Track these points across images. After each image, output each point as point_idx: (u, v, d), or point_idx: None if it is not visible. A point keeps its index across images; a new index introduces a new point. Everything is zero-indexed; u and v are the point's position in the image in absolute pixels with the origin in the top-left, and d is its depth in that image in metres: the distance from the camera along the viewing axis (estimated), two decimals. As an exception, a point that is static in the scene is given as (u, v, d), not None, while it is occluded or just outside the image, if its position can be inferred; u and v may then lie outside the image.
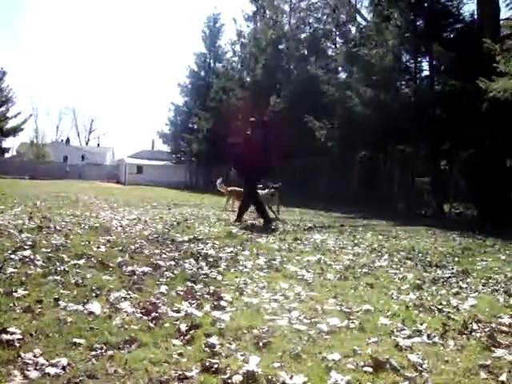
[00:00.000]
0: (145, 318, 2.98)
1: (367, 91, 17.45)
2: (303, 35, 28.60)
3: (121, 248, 5.34)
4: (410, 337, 2.92)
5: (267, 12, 31.99)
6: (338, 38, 26.93)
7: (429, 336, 2.95)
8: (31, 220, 7.67)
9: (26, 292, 3.30)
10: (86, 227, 7.17)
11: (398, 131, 16.18)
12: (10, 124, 70.54)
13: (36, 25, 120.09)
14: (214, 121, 33.32)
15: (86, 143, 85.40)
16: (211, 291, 3.72)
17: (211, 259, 5.07)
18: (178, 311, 3.16)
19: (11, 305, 3.02)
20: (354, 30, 24.28)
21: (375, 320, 3.21)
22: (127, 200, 15.69)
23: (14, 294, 3.24)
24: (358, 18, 24.04)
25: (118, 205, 13.00)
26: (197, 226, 8.38)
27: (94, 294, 3.40)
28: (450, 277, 4.91)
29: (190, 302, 3.38)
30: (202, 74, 43.87)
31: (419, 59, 17.47)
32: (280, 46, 29.15)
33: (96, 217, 9.02)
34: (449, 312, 3.52)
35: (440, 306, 3.65)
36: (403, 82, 18.53)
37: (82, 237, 6.08)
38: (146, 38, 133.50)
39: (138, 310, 3.10)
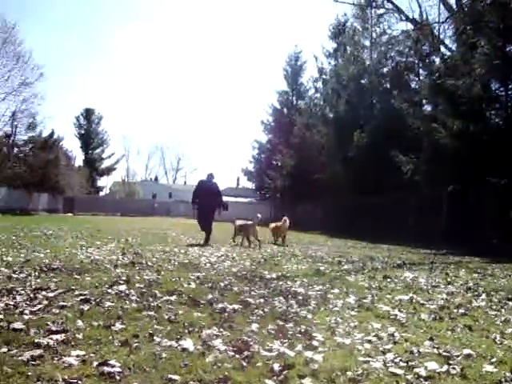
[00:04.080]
0: (237, 356, 2.97)
1: (455, 123, 16.84)
2: (385, 69, 28.27)
3: (210, 285, 5.41)
4: (521, 388, 2.69)
5: (348, 48, 32.10)
6: (421, 70, 26.25)
7: (544, 389, 2.70)
8: (124, 256, 7.99)
9: (123, 326, 3.41)
10: (176, 263, 7.36)
11: (489, 163, 15.44)
12: (105, 164, 75.15)
13: (125, 68, 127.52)
14: (298, 157, 33.54)
15: (173, 181, 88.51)
16: (302, 330, 3.65)
17: (300, 297, 5.00)
18: (270, 350, 3.12)
19: (110, 338, 3.13)
20: (437, 60, 23.67)
21: (478, 367, 2.99)
22: (214, 236, 15.95)
23: (112, 327, 3.36)
24: (442, 49, 23.49)
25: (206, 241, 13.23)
26: (284, 262, 8.36)
27: (186, 331, 3.44)
28: (560, 321, 4.53)
29: (281, 341, 3.34)
30: (285, 111, 44.52)
31: (510, 86, 16.72)
32: (362, 81, 29.02)
33: (185, 253, 9.24)
34: None
35: (554, 355, 3.34)
36: (493, 112, 17.73)
37: (172, 273, 6.24)
38: (231, 76, 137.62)
39: (230, 348, 3.10)
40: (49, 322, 3.36)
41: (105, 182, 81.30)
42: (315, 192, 30.65)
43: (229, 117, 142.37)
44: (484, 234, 16.60)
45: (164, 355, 2.88)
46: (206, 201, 12.71)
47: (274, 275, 6.56)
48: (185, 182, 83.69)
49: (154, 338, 3.21)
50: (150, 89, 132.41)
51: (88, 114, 73.50)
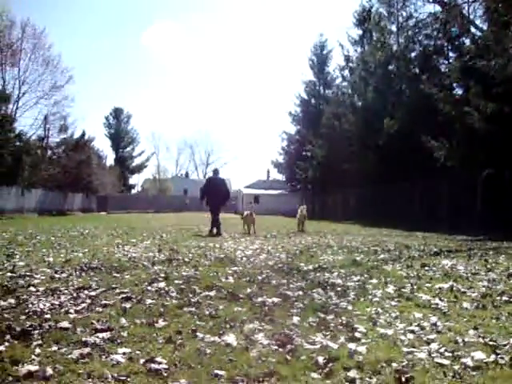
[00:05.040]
0: (281, 350, 2.97)
1: (488, 105, 16.42)
2: (413, 54, 27.69)
3: (248, 279, 5.43)
4: None
5: (374, 34, 31.59)
6: (450, 53, 25.64)
7: None
8: (161, 252, 8.08)
9: (166, 323, 3.46)
10: (212, 258, 7.41)
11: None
12: (136, 162, 76.49)
13: (152, 66, 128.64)
14: (328, 147, 33.34)
15: (204, 176, 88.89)
16: (344, 322, 3.64)
17: (339, 288, 4.98)
18: (313, 343, 3.11)
19: (154, 335, 3.18)
20: (467, 42, 23.06)
21: (528, 355, 2.92)
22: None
23: (156, 324, 3.41)
24: (472, 29, 22.88)
25: (239, 235, 13.31)
26: (320, 254, 8.32)
27: (228, 326, 3.46)
28: None
29: (323, 334, 3.33)
30: (313, 101, 44.35)
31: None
32: (390, 67, 28.61)
33: (220, 247, 9.29)
34: None
35: None
36: (529, 91, 17.20)
37: (209, 268, 6.28)
38: (258, 68, 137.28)
39: (273, 342, 3.10)
40: (93, 321, 3.44)
41: (136, 180, 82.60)
42: (346, 181, 30.44)
43: (257, 109, 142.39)
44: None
45: (208, 351, 2.91)
46: (216, 195, 13.96)
47: (310, 267, 6.54)
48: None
49: (197, 333, 3.24)
50: (177, 84, 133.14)
51: (117, 113, 74.70)
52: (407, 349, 3.05)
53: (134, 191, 76.88)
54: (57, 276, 5.40)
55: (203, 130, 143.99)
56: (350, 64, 35.50)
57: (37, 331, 3.20)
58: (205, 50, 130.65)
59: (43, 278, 5.30)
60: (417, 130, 21.22)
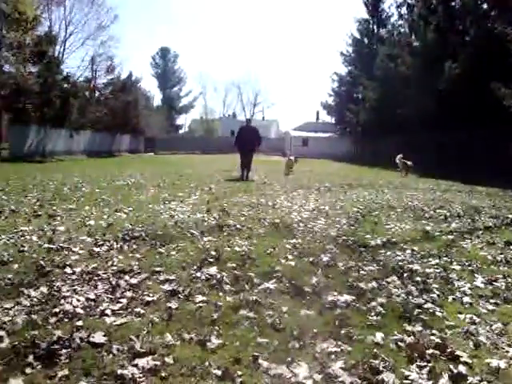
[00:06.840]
0: (369, 395, 2.30)
1: None
2: (483, -14, 25.31)
3: (311, 259, 4.73)
4: None
5: (438, -34, 29.06)
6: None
7: None
8: (209, 214, 7.49)
9: (220, 341, 2.80)
10: (266, 223, 6.76)
11: None
12: (183, 102, 76.45)
13: (198, 5, 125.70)
14: (381, 90, 31.63)
15: (251, 117, 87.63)
16: (438, 341, 2.90)
17: (418, 278, 4.21)
18: (409, 385, 2.42)
19: (207, 364, 2.54)
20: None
21: None
22: (299, 180, 15.32)
23: (208, 344, 2.76)
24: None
25: (291, 187, 12.58)
26: (384, 220, 7.46)
27: (296, 345, 2.79)
28: None
29: (418, 366, 2.61)
30: (366, 41, 42.12)
31: None
32: (453, 4, 26.36)
33: (272, 206, 8.62)
34: None
35: None
36: None
37: (264, 240, 5.62)
38: (308, 6, 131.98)
39: (358, 381, 2.43)
40: (133, 337, 2.81)
41: (183, 121, 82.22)
42: (400, 127, 28.93)
43: (306, 49, 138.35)
44: None
45: (277, 397, 2.26)
46: (246, 143, 15.51)
47: (378, 241, 5.74)
48: (263, 118, 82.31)
49: (259, 361, 2.57)
50: (225, 24, 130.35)
51: (164, 52, 73.96)
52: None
53: (180, 132, 76.77)
54: (96, 250, 4.86)
55: (251, 70, 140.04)
56: (409, 0, 33.01)
57: (65, 350, 2.62)
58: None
59: (82, 252, 4.79)
60: (483, 74, 19.46)
